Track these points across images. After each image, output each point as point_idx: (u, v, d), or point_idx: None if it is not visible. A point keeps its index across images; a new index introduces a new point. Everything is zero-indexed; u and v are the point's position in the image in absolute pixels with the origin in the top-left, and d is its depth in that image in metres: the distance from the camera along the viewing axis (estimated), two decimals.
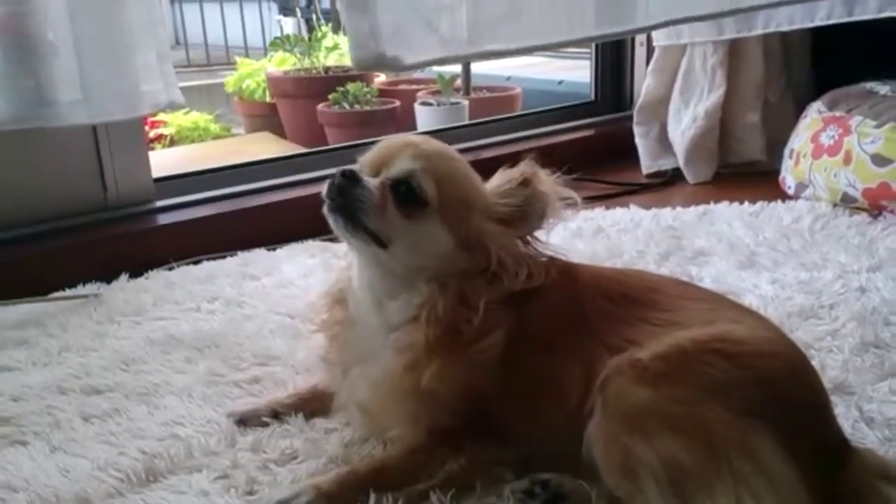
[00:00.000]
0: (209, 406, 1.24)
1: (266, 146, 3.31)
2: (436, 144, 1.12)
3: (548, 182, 1.08)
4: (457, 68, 3.23)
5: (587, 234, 1.89)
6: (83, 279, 1.71)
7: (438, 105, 3.12)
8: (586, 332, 1.04)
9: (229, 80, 3.73)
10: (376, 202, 1.03)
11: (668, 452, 0.89)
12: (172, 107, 1.64)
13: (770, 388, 0.92)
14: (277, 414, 1.21)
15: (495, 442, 1.05)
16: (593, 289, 1.08)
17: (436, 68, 3.10)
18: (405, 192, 1.04)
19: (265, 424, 1.19)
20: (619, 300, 1.06)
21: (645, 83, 2.60)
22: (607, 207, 2.11)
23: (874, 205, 1.98)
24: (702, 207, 2.09)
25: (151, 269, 1.77)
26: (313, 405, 1.22)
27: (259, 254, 1.87)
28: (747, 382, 0.92)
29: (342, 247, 1.82)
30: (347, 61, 1.82)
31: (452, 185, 1.06)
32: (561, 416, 1.01)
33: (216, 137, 3.54)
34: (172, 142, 3.47)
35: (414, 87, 3.55)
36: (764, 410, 0.90)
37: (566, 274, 1.11)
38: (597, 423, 0.95)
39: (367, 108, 3.23)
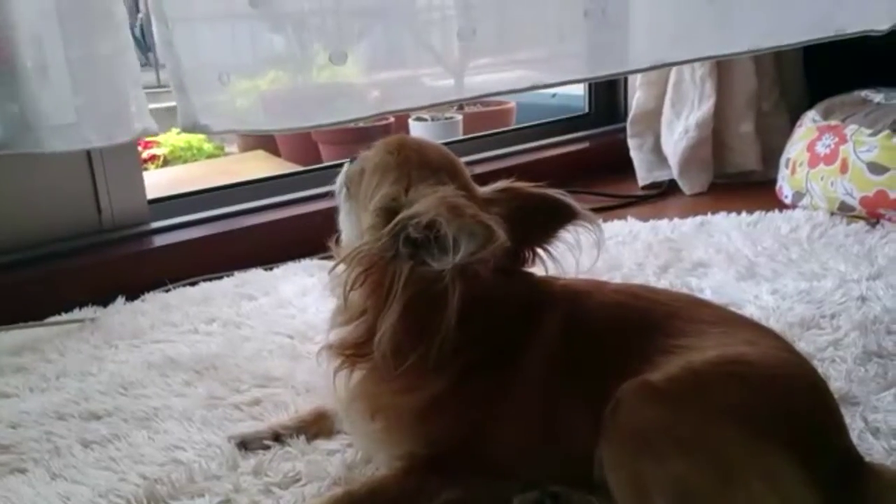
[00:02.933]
0: (210, 429, 1.23)
1: (260, 164, 3.30)
2: (401, 140, 1.10)
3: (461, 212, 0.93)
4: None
5: (585, 247, 1.87)
6: (79, 303, 1.70)
7: (433, 120, 3.12)
8: (595, 370, 1.00)
9: None
10: (341, 181, 1.16)
11: (681, 475, 0.87)
12: (146, 134, 1.62)
13: (785, 411, 0.91)
14: (279, 436, 1.19)
15: (495, 476, 1.03)
16: (603, 320, 1.05)
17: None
18: None
19: (267, 447, 1.17)
20: (631, 332, 1.02)
21: (636, 96, 2.60)
22: (605, 220, 2.10)
23: (872, 213, 1.98)
24: (699, 218, 2.09)
25: (148, 292, 1.76)
26: (315, 427, 1.21)
27: (256, 274, 1.86)
28: (762, 405, 0.91)
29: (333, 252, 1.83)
30: (340, 77, 1.84)
31: (370, 177, 1.05)
32: (566, 461, 1.00)
33: (210, 156, 3.53)
34: (166, 162, 3.45)
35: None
36: (779, 433, 0.88)
37: (571, 301, 1.07)
38: (607, 444, 0.93)
39: (362, 124, 3.22)
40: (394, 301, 0.95)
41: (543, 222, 1.08)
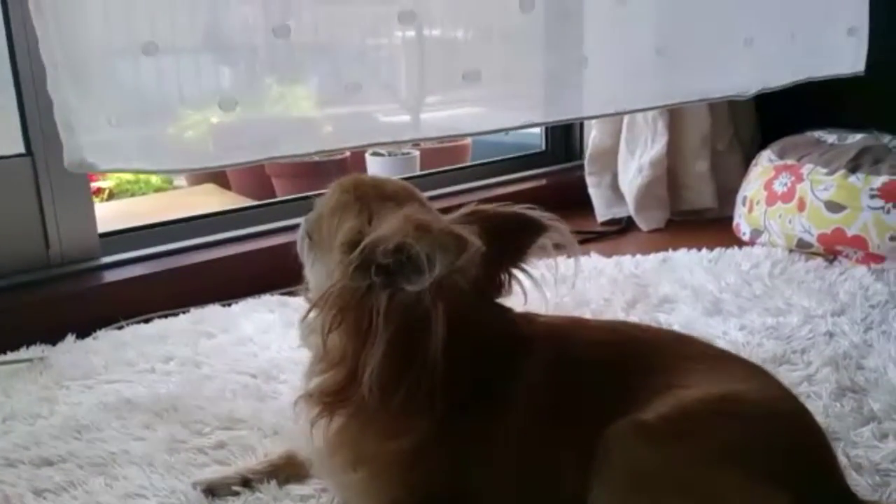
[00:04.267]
0: (172, 475, 1.16)
1: (211, 199, 3.22)
2: (356, 178, 1.07)
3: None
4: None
5: (551, 283, 1.86)
6: (26, 341, 1.60)
7: (390, 155, 3.09)
8: (582, 411, 0.96)
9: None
10: (301, 234, 1.10)
11: None
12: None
13: (781, 450, 0.89)
14: (248, 482, 1.13)
15: None
16: (587, 359, 1.02)
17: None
18: None
19: (236, 494, 1.11)
20: (616, 370, 0.99)
21: (592, 135, 2.62)
22: (568, 255, 2.09)
23: (829, 249, 2.01)
24: (661, 255, 2.09)
25: (99, 329, 1.68)
26: (287, 471, 1.15)
27: (213, 310, 1.79)
28: (758, 444, 0.89)
29: (303, 301, 1.78)
30: (293, 112, 1.82)
31: (330, 218, 1.02)
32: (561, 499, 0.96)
33: (157, 190, 3.44)
34: (111, 195, 3.35)
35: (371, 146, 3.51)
36: (776, 472, 0.87)
37: (553, 339, 1.04)
38: (602, 487, 0.90)
39: (317, 158, 3.18)
40: (377, 335, 0.91)
41: (514, 240, 1.04)
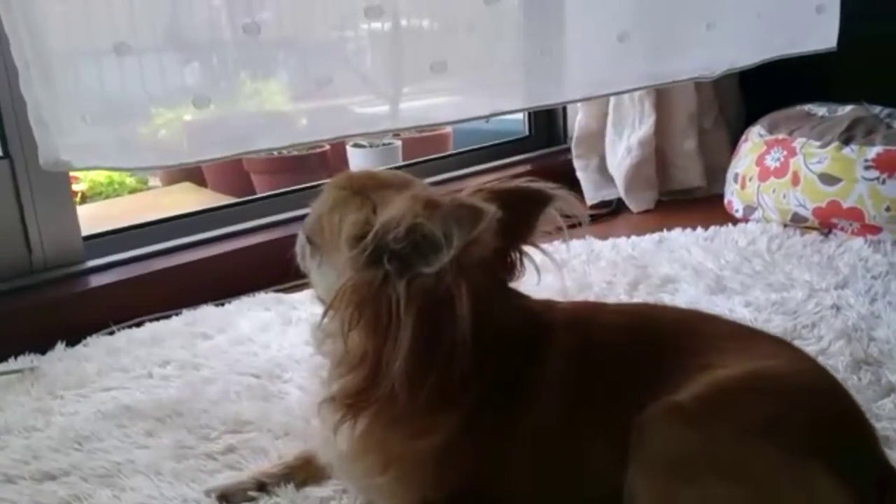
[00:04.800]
0: (183, 483, 1.12)
1: (188, 197, 3.16)
2: (349, 174, 1.03)
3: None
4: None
5: (551, 267, 1.83)
6: (14, 352, 1.54)
7: (371, 146, 3.04)
8: (611, 396, 0.93)
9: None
10: (301, 243, 1.05)
11: (719, 498, 0.83)
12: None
13: (819, 425, 0.87)
14: (264, 486, 1.09)
15: None
16: (612, 344, 0.98)
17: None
18: None
19: (251, 499, 1.07)
20: (642, 354, 0.96)
21: (577, 118, 2.60)
22: (563, 240, 2.06)
23: (824, 223, 2.00)
24: (657, 235, 2.07)
25: (90, 336, 1.62)
26: (304, 473, 1.11)
27: (207, 310, 1.74)
28: (795, 419, 0.86)
29: (299, 297, 1.74)
30: (269, 107, 1.78)
31: (330, 217, 0.97)
32: (589, 493, 0.93)
33: (132, 191, 3.36)
34: (84, 198, 3.27)
35: (346, 137, 3.46)
36: (816, 447, 0.84)
37: (575, 326, 1.00)
38: (638, 472, 0.87)
39: (297, 153, 3.13)
40: (400, 326, 0.87)
41: (521, 215, 0.98)
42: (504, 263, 1.01)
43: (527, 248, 1.02)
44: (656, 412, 0.89)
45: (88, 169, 1.59)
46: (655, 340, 1.00)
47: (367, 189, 0.97)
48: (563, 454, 0.94)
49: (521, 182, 1.01)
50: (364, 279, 0.87)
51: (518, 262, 1.02)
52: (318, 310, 1.00)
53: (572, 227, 1.07)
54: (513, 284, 1.03)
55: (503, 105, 2.07)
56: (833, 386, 0.95)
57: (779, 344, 1.03)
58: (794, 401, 0.89)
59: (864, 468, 0.88)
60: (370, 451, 0.94)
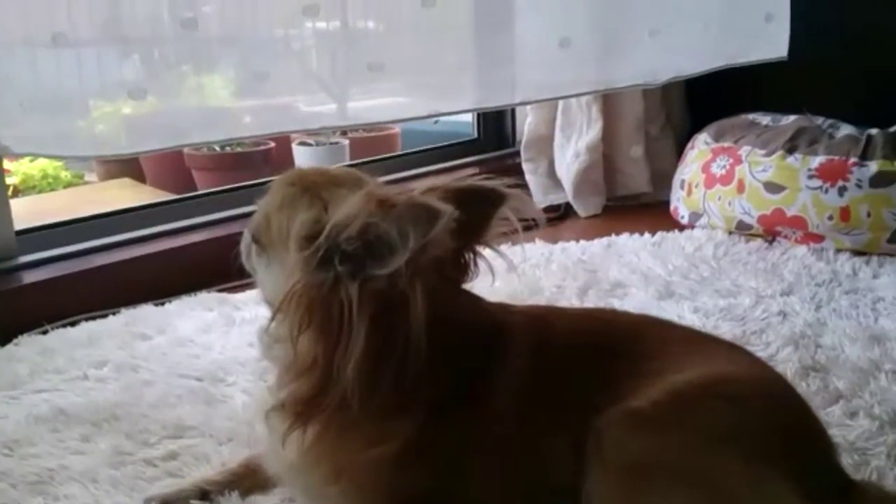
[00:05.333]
0: (120, 491, 1.07)
1: (126, 193, 3.06)
2: (299, 171, 0.99)
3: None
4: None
5: (500, 272, 1.82)
6: None
7: (318, 145, 3.00)
8: (568, 400, 0.92)
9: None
10: (246, 242, 1.01)
11: None
12: None
13: (777, 431, 0.87)
14: (207, 494, 1.05)
15: None
16: (569, 347, 0.97)
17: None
18: None
19: None
20: (599, 358, 0.95)
21: (527, 121, 2.59)
22: (512, 243, 2.05)
23: (769, 231, 2.02)
24: (606, 240, 2.08)
25: (21, 335, 1.55)
26: (249, 481, 1.07)
27: (146, 310, 1.68)
28: (754, 426, 0.86)
29: (243, 297, 1.69)
30: (212, 102, 1.74)
31: (279, 215, 0.93)
32: (548, 496, 0.92)
33: (67, 186, 3.25)
34: (16, 192, 3.14)
35: (288, 133, 3.41)
36: (774, 455, 0.84)
37: (532, 328, 0.99)
38: (596, 479, 0.86)
39: (240, 149, 3.06)
40: (352, 329, 0.83)
41: (475, 214, 0.94)
42: (457, 264, 0.98)
43: (480, 249, 1.00)
44: (614, 417, 0.88)
45: (26, 155, 1.53)
46: (611, 345, 0.99)
47: (317, 186, 0.93)
48: (519, 458, 0.92)
49: (476, 181, 0.97)
50: (314, 281, 0.84)
51: (472, 263, 1.00)
52: (265, 312, 0.96)
53: (527, 228, 1.05)
54: (465, 286, 1.01)
55: (447, 106, 2.07)
56: (789, 392, 0.96)
57: (733, 349, 1.03)
58: (752, 407, 0.89)
59: (823, 476, 0.88)
60: (321, 461, 0.91)
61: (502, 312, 1.03)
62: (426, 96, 2.02)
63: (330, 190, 0.92)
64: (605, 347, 0.98)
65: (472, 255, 0.99)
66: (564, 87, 2.17)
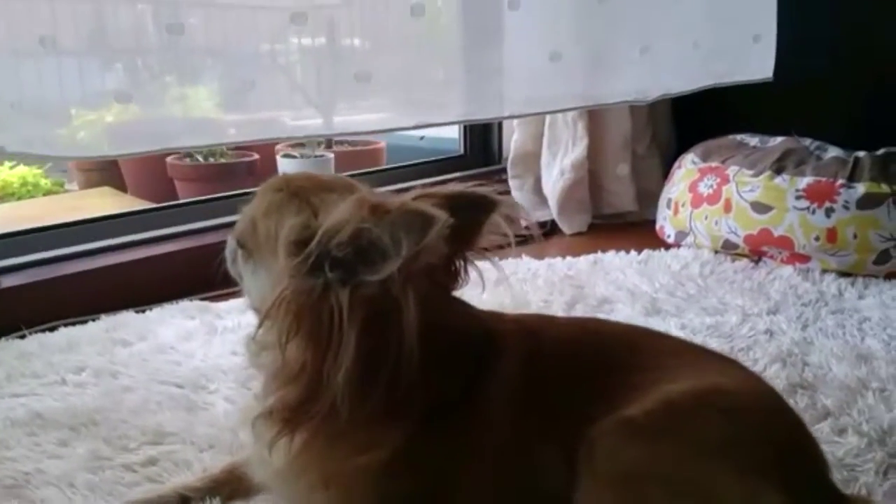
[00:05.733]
0: (98, 496, 1.04)
1: (107, 201, 3.03)
2: (286, 176, 0.99)
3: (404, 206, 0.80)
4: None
5: (488, 285, 1.80)
6: None
7: (302, 157, 2.97)
8: (561, 409, 0.91)
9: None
10: (231, 248, 0.99)
11: None
12: None
13: (771, 444, 0.86)
14: (187, 500, 1.03)
15: None
16: (562, 356, 0.96)
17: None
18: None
19: None
20: (593, 368, 0.94)
21: (514, 137, 2.60)
22: (499, 258, 2.04)
23: (755, 250, 2.03)
24: (591, 256, 2.07)
25: None
26: (230, 487, 1.04)
27: (127, 317, 1.65)
28: (747, 438, 0.85)
29: (226, 306, 1.67)
30: (196, 113, 1.73)
31: (266, 220, 0.91)
32: (538, 501, 0.90)
33: (46, 194, 3.21)
34: None
35: (268, 141, 3.39)
36: (767, 467, 0.83)
37: (525, 337, 0.97)
38: (587, 488, 0.85)
39: (224, 160, 3.04)
40: (343, 337, 0.82)
41: (467, 221, 0.92)
42: (448, 271, 0.96)
43: (471, 257, 0.98)
44: (607, 427, 0.87)
45: (17, 155, 1.52)
46: (605, 355, 0.98)
47: (305, 192, 0.91)
48: (511, 467, 0.91)
49: (466, 188, 0.96)
50: (303, 287, 0.82)
51: (462, 271, 0.98)
52: (249, 320, 0.94)
53: (521, 240, 1.03)
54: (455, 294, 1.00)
55: (434, 118, 2.05)
56: (782, 406, 0.95)
57: (726, 361, 1.03)
58: (746, 419, 0.88)
59: (815, 490, 0.87)
60: (309, 469, 0.89)
61: (494, 320, 1.02)
62: (413, 108, 2.01)
63: (319, 195, 0.90)
64: (598, 357, 0.97)
65: (462, 263, 0.97)
66: (553, 102, 2.16)
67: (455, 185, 0.96)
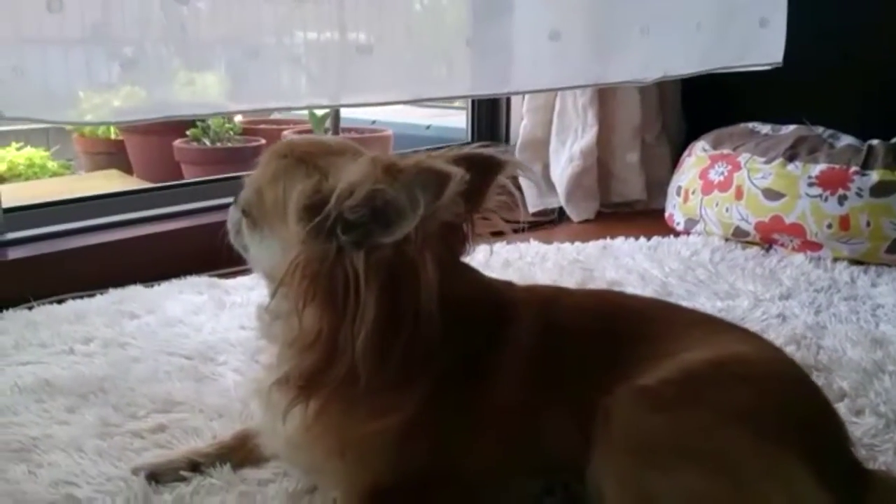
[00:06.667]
0: (107, 461, 1.03)
1: (114, 183, 3.01)
2: (290, 141, 0.97)
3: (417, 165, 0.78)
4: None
5: (496, 267, 1.79)
6: None
7: None
8: (576, 377, 0.90)
9: None
10: (235, 219, 0.97)
11: (691, 486, 0.79)
12: None
13: (791, 411, 0.85)
14: (197, 466, 1.01)
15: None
16: (578, 325, 0.95)
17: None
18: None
19: (183, 479, 0.99)
20: (609, 336, 0.93)
21: (522, 124, 2.58)
22: (507, 242, 2.03)
23: (765, 238, 2.01)
24: (601, 242, 2.06)
25: (6, 310, 1.50)
26: (240, 453, 1.03)
27: (135, 290, 1.64)
28: (768, 406, 0.84)
29: (233, 282, 1.66)
30: (203, 97, 1.71)
31: (273, 187, 0.89)
32: (551, 472, 0.89)
33: (54, 175, 3.20)
34: (2, 179, 3.09)
35: (275, 126, 3.38)
36: (788, 434, 0.82)
37: (540, 305, 0.96)
38: (604, 457, 0.83)
39: (231, 145, 3.03)
40: (360, 300, 0.80)
41: (473, 183, 0.86)
42: (456, 234, 0.93)
43: (477, 218, 0.95)
44: (624, 395, 0.86)
45: (17, 119, 1.50)
46: (620, 325, 0.96)
47: (312, 156, 0.89)
48: (521, 431, 0.90)
49: (472, 149, 0.93)
50: (318, 252, 0.80)
51: (470, 234, 0.96)
52: (258, 295, 0.92)
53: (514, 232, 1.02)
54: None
55: (439, 91, 2.06)
56: (802, 375, 0.94)
57: (746, 332, 1.01)
58: (767, 387, 0.87)
59: (836, 460, 0.86)
60: (325, 435, 0.87)
61: (508, 288, 1.01)
62: (417, 82, 1.98)
63: (326, 158, 0.88)
64: (614, 327, 0.96)
65: (469, 226, 0.95)
66: (555, 81, 2.15)
67: (459, 147, 0.95)
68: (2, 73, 1.35)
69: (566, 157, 2.46)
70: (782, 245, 2.00)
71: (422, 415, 0.87)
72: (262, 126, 3.38)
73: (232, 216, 0.99)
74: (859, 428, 1.15)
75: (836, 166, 1.91)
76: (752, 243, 2.03)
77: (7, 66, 1.36)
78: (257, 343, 1.18)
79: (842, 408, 1.20)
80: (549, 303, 0.99)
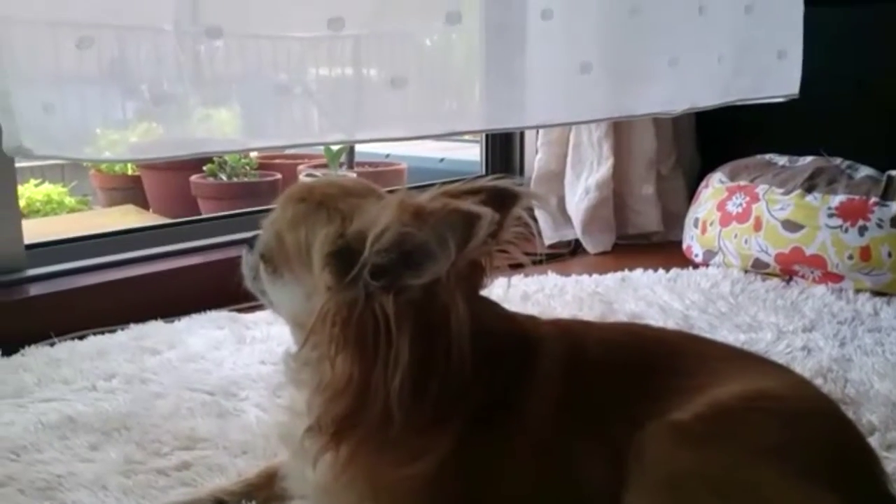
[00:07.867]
0: (132, 499, 1.02)
1: (130, 219, 3.04)
2: (307, 184, 0.96)
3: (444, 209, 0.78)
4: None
5: (515, 300, 1.79)
6: None
7: (325, 177, 2.99)
8: (606, 413, 0.89)
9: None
10: (252, 264, 0.97)
11: None
12: None
13: (824, 448, 0.83)
14: (222, 503, 1.00)
15: None
16: (604, 360, 0.94)
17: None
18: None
19: None
20: (636, 371, 0.92)
21: (537, 157, 2.59)
22: (525, 275, 2.03)
23: (785, 270, 2.00)
24: (619, 274, 2.05)
25: (28, 346, 1.51)
26: (265, 492, 1.02)
27: (155, 326, 1.64)
28: (801, 442, 0.83)
29: (254, 317, 1.66)
30: (220, 133, 1.73)
31: (294, 232, 0.89)
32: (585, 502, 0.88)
33: (72, 211, 3.23)
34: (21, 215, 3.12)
35: (290, 161, 3.41)
36: (821, 473, 0.80)
37: (564, 340, 0.95)
38: (637, 492, 0.82)
39: (247, 179, 3.05)
40: (392, 344, 0.79)
41: None
42: (476, 268, 0.92)
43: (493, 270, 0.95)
44: (657, 431, 0.85)
45: (47, 157, 1.52)
46: (649, 359, 0.95)
47: (332, 199, 0.89)
48: (553, 467, 0.89)
49: (487, 180, 0.92)
50: (347, 299, 0.80)
51: (488, 266, 0.95)
52: (278, 331, 0.92)
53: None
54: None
55: (458, 126, 2.05)
56: (835, 410, 0.93)
57: (774, 366, 1.00)
58: (799, 423, 0.86)
59: (870, 494, 0.84)
60: (358, 480, 0.86)
61: (533, 323, 1.00)
62: (436, 117, 1.98)
63: (346, 200, 0.88)
64: (642, 359, 0.95)
65: (487, 259, 0.95)
66: (582, 113, 2.14)
67: (473, 180, 0.94)
68: (33, 111, 1.36)
69: (581, 189, 2.47)
70: (802, 276, 1.99)
71: (455, 455, 0.86)
72: (278, 161, 3.40)
73: (248, 261, 0.99)
74: (891, 463, 1.13)
75: (856, 197, 1.91)
76: (772, 275, 2.02)
77: (38, 104, 1.38)
78: (279, 379, 1.18)
79: (873, 442, 1.18)
80: (577, 336, 0.98)
